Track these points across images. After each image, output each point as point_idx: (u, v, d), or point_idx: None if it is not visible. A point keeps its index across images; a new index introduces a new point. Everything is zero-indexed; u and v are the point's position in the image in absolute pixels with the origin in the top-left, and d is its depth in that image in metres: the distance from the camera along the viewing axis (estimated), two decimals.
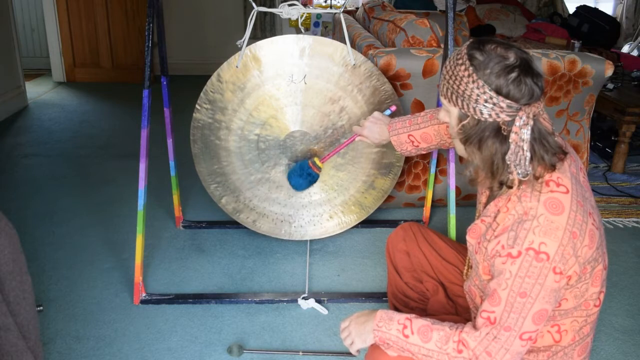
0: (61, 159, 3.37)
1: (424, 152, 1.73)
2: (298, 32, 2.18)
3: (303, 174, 2.04)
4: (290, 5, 1.95)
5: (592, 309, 1.20)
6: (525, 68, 1.09)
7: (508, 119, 1.11)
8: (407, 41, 2.60)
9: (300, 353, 1.76)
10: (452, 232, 2.00)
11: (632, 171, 3.35)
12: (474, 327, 1.13)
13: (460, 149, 1.24)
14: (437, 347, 1.14)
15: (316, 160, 2.00)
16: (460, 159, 2.31)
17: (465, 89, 1.12)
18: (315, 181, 2.05)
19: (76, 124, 4.07)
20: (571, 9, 5.98)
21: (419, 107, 2.46)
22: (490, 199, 1.28)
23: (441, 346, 1.14)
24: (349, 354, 1.69)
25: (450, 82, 1.15)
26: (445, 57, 2.00)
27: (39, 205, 2.74)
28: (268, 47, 2.06)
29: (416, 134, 1.65)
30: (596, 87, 2.54)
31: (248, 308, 1.99)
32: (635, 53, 5.60)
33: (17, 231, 1.14)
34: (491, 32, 5.14)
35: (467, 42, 1.16)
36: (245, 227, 2.34)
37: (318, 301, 1.99)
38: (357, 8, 4.45)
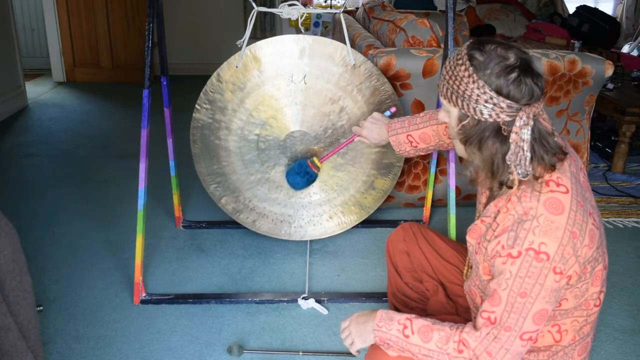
0: (61, 159, 3.37)
1: (423, 153, 1.73)
2: (298, 32, 2.18)
3: (301, 172, 2.02)
4: (290, 5, 1.95)
5: (592, 308, 1.20)
6: (525, 68, 1.09)
7: (508, 119, 1.11)
8: (407, 41, 2.60)
9: (300, 353, 1.76)
10: (452, 232, 2.00)
11: (632, 171, 3.35)
12: (475, 327, 1.13)
13: (460, 149, 1.24)
14: (437, 347, 1.14)
15: (315, 159, 1.99)
16: (460, 159, 2.30)
17: (465, 89, 1.12)
18: (313, 180, 2.03)
19: (76, 124, 4.07)
20: (571, 9, 5.98)
21: (419, 107, 2.46)
22: (490, 199, 1.28)
23: (441, 346, 1.14)
24: (349, 354, 1.69)
25: (450, 82, 1.15)
26: (445, 57, 2.00)
27: (39, 205, 2.74)
28: (268, 47, 2.06)
29: (415, 134, 1.65)
30: (596, 87, 2.54)
31: (248, 308, 1.99)
32: (635, 53, 5.60)
33: (17, 231, 1.14)
34: (491, 32, 5.14)
35: (467, 42, 1.16)
36: (245, 227, 2.34)
37: (318, 301, 1.99)
38: (357, 8, 4.45)
